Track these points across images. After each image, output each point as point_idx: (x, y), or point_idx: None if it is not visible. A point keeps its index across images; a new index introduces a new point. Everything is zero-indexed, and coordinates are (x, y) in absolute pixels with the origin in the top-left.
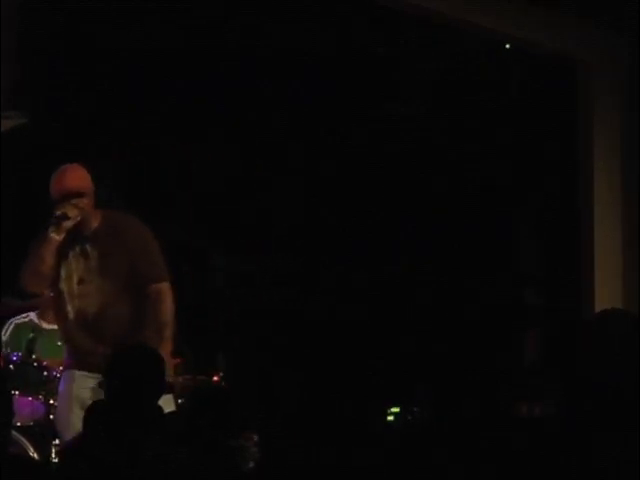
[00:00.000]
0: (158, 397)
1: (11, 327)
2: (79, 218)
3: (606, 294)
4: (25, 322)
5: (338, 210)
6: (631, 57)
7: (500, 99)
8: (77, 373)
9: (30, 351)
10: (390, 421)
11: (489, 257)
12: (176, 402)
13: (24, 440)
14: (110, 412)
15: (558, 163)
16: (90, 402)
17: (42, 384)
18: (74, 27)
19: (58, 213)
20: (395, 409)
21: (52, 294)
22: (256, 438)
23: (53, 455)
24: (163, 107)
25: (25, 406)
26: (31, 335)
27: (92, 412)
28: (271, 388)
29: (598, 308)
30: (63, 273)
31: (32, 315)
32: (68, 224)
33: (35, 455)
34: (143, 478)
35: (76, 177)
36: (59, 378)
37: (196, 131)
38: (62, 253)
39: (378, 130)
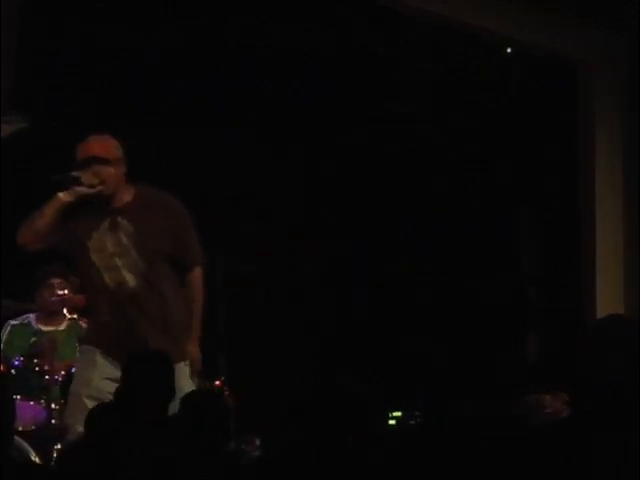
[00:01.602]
0: (167, 403)
1: (9, 328)
2: (100, 188)
3: (607, 294)
4: (24, 324)
5: (338, 210)
6: (631, 57)
7: (500, 99)
8: (100, 358)
9: (31, 356)
10: (392, 425)
11: (489, 257)
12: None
13: (25, 445)
14: (116, 415)
15: (558, 163)
16: (107, 396)
17: (44, 389)
18: (74, 27)
19: (72, 174)
20: (397, 413)
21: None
22: (257, 442)
23: (54, 460)
24: (162, 107)
25: (27, 411)
26: (33, 339)
27: (95, 415)
28: (273, 392)
29: (600, 308)
30: (92, 245)
31: (31, 318)
32: (82, 190)
33: (37, 459)
34: None
35: (102, 144)
36: (61, 382)
37: (195, 130)
38: (90, 225)
39: (378, 130)
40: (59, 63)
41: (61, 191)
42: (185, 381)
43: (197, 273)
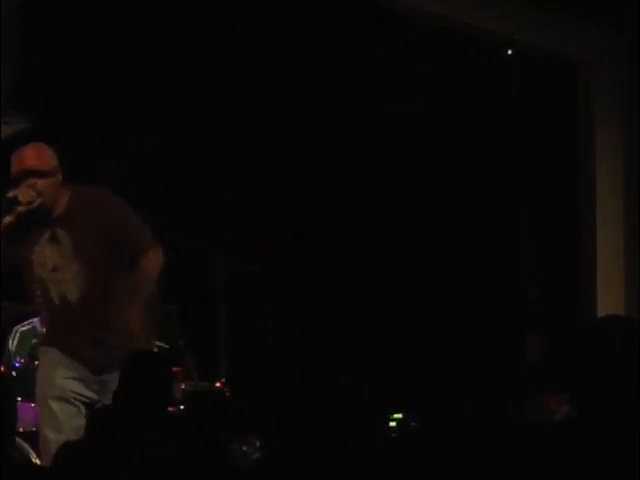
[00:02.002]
0: (165, 403)
1: (17, 335)
2: (39, 201)
3: (609, 295)
4: (29, 329)
5: (338, 210)
6: (631, 57)
7: (500, 99)
8: (60, 358)
9: (33, 357)
10: (392, 427)
11: (489, 257)
12: (178, 408)
13: (26, 446)
14: (117, 417)
15: (558, 163)
16: (71, 395)
17: None
18: (75, 27)
19: (9, 195)
20: (398, 415)
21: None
22: (258, 443)
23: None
24: (162, 107)
25: (28, 412)
26: (34, 341)
27: (96, 416)
28: (274, 393)
29: (600, 308)
30: (36, 259)
31: (35, 321)
32: (21, 209)
33: (37, 461)
34: None
35: (34, 155)
36: None
37: (195, 130)
38: (32, 237)
39: (378, 130)
40: (59, 63)
41: (1, 214)
42: None
43: (149, 255)
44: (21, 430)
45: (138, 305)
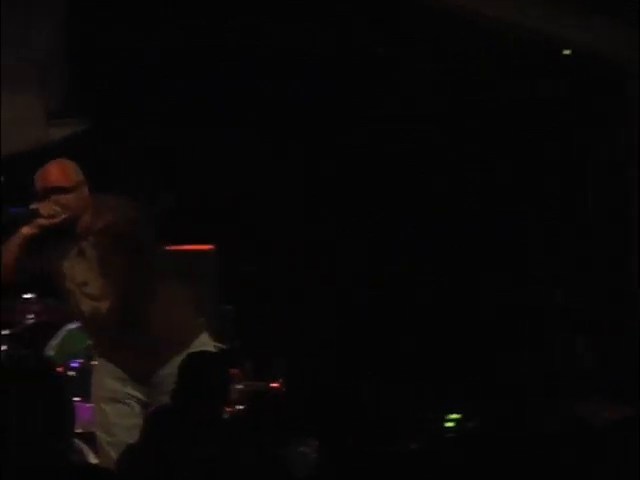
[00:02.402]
0: (222, 405)
1: (63, 333)
2: (63, 216)
3: None
4: (80, 328)
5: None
6: None
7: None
8: (107, 362)
9: (90, 357)
10: (449, 428)
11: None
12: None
13: (84, 446)
14: (174, 418)
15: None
16: (121, 395)
17: None
18: (131, 25)
19: (30, 208)
20: (455, 415)
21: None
22: (317, 445)
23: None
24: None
25: (86, 413)
26: (89, 342)
27: (153, 417)
28: (332, 394)
29: None
30: (67, 273)
31: None
32: (42, 221)
33: (95, 461)
34: None
35: (56, 172)
36: None
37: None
38: (61, 252)
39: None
40: (113, 64)
41: (23, 225)
42: None
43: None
44: (79, 431)
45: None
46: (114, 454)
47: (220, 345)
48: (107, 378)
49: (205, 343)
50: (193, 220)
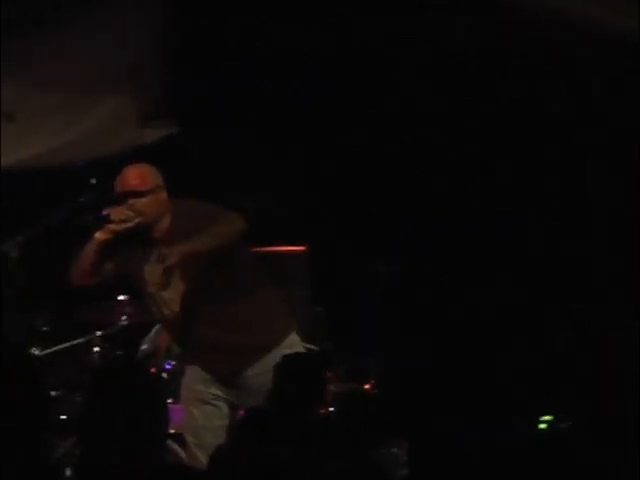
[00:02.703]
0: (318, 406)
1: (157, 328)
2: (137, 220)
3: None
4: None
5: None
6: None
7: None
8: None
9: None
10: (542, 429)
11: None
12: (328, 411)
13: (177, 447)
14: (269, 419)
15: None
16: (209, 397)
17: None
18: (227, 25)
19: (101, 214)
20: (548, 417)
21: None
22: (408, 446)
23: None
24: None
25: (178, 414)
26: None
27: (248, 418)
28: (425, 395)
29: None
30: (147, 277)
31: None
32: (114, 227)
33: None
34: None
35: (134, 176)
36: None
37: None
38: (141, 257)
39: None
40: (206, 66)
41: (96, 230)
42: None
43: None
44: (172, 432)
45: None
46: (202, 457)
47: (311, 347)
48: (194, 380)
49: (293, 344)
50: (284, 221)
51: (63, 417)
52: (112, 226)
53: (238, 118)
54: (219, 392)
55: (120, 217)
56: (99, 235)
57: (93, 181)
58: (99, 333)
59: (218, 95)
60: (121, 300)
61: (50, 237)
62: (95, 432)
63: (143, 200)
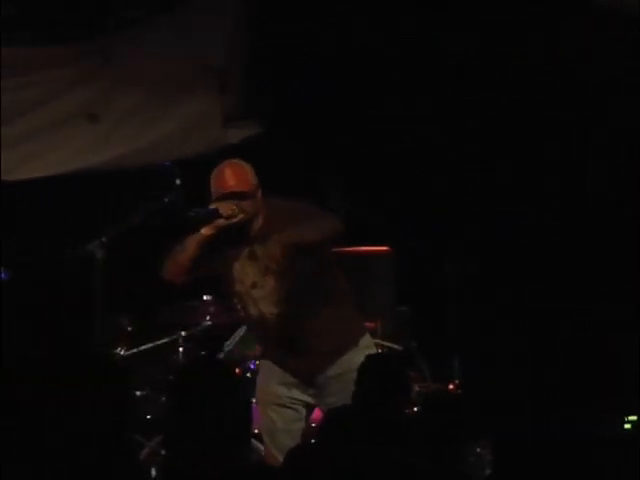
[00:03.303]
0: (403, 406)
1: (242, 331)
2: (241, 216)
3: None
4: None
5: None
6: None
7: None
8: (274, 367)
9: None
10: (628, 430)
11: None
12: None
13: (260, 446)
14: (354, 418)
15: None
16: (287, 400)
17: None
18: (307, 27)
19: (212, 208)
20: (633, 417)
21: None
22: (491, 446)
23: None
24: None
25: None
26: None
27: (331, 417)
28: (508, 396)
29: None
30: (236, 275)
31: None
32: (222, 222)
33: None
34: None
35: (234, 177)
36: None
37: None
38: (232, 254)
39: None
40: (290, 67)
41: (203, 225)
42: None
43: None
44: (255, 431)
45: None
46: (281, 458)
47: (395, 346)
48: (273, 383)
49: (369, 344)
50: (369, 221)
51: (148, 417)
52: (220, 221)
53: (322, 119)
54: (298, 395)
55: (228, 213)
56: (205, 230)
57: (178, 181)
58: (183, 333)
59: (302, 96)
60: (205, 300)
61: (135, 237)
62: (180, 432)
63: (246, 202)
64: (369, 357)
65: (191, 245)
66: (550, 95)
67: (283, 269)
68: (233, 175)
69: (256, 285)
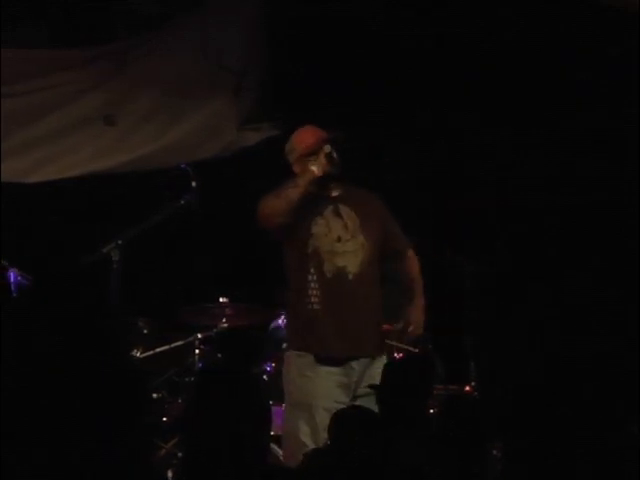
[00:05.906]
0: (424, 406)
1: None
2: (331, 170)
3: None
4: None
5: None
6: None
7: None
8: (320, 367)
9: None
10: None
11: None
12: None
13: (277, 449)
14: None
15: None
16: (334, 405)
17: None
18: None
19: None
20: None
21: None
22: (505, 447)
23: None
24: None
25: (279, 416)
26: (284, 345)
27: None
28: (522, 398)
29: None
30: (316, 230)
31: (280, 322)
32: (312, 175)
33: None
34: None
35: (320, 130)
36: None
37: None
38: (313, 210)
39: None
40: (308, 68)
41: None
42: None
43: (411, 254)
44: (272, 434)
45: (420, 303)
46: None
47: (412, 349)
48: (323, 386)
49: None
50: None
51: (164, 419)
52: (314, 169)
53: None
54: (344, 399)
55: (325, 171)
56: (316, 170)
57: (194, 184)
58: (200, 335)
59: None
60: (222, 302)
61: (151, 239)
62: (199, 433)
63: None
64: (391, 359)
65: (293, 191)
66: (567, 96)
67: (373, 232)
68: (317, 129)
69: (341, 239)
